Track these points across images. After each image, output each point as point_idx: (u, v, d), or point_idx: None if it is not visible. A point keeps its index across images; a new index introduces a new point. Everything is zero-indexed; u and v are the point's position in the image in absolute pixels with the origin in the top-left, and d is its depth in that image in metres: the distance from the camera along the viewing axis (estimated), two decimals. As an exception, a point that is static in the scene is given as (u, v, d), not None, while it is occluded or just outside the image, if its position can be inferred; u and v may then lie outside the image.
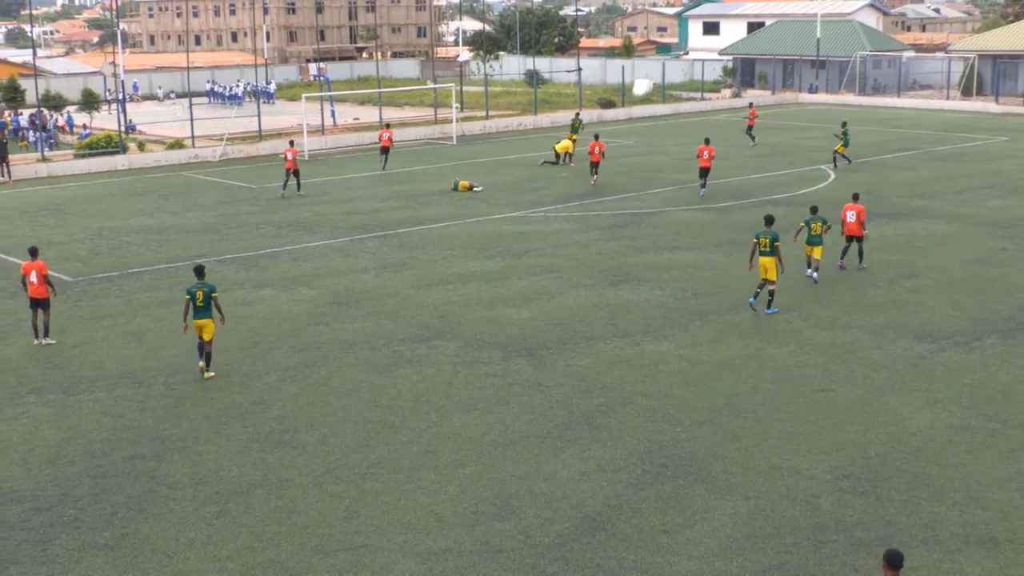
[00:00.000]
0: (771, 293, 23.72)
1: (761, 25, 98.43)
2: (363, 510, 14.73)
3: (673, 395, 18.93)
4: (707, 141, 39.63)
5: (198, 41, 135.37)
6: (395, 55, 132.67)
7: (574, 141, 48.53)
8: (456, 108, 62.56)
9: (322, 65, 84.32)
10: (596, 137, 42.80)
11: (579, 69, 78.17)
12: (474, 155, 52.14)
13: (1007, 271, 27.39)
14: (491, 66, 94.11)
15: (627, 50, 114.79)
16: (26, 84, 70.14)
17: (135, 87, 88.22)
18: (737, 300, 24.79)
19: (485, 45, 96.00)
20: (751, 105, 57.69)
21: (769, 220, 23.94)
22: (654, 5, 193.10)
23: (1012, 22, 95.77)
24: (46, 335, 22.53)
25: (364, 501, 15.00)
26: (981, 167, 45.52)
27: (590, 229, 33.23)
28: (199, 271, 20.50)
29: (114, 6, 74.97)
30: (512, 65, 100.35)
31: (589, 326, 23.07)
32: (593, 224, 34.06)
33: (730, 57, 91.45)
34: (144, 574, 13.21)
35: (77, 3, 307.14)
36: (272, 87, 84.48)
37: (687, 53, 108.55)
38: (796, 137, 56.44)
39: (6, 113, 65.74)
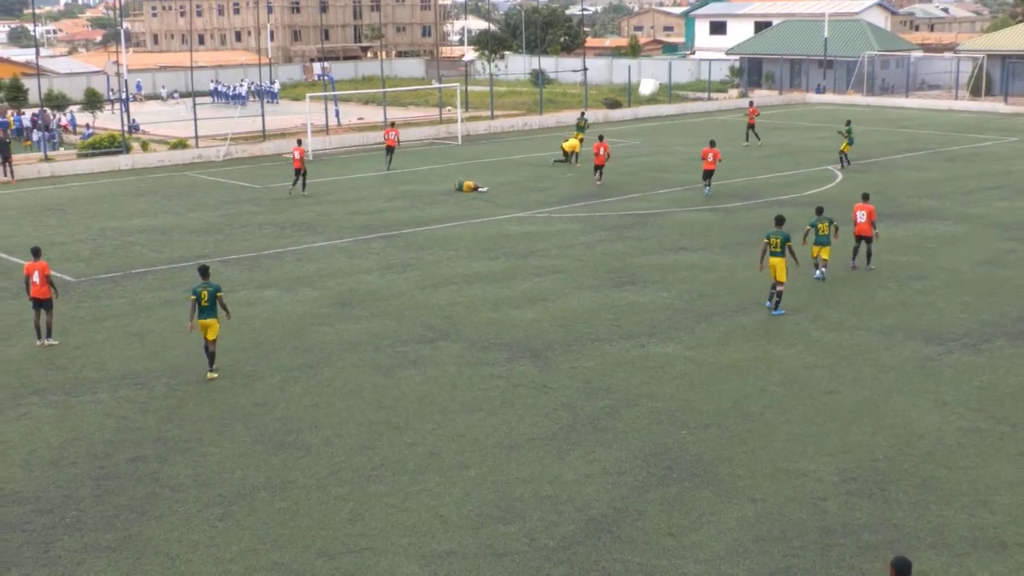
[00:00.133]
0: (779, 295, 23.72)
1: (768, 25, 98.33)
2: (367, 512, 14.73)
3: (679, 397, 18.91)
4: (712, 144, 39.58)
5: (202, 40, 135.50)
6: (400, 54, 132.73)
7: (581, 140, 48.55)
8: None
9: (326, 64, 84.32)
10: (600, 138, 42.73)
11: (585, 69, 78.16)
12: (479, 155, 52.14)
13: (1017, 272, 27.34)
14: (496, 66, 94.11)
15: (633, 50, 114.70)
16: (29, 83, 70.27)
17: (138, 87, 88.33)
18: (744, 302, 24.78)
19: (490, 44, 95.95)
20: (751, 104, 57.69)
21: (780, 220, 23.97)
22: (660, 4, 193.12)
23: (1021, 22, 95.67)
24: (48, 336, 22.56)
25: (368, 503, 15.00)
26: (990, 168, 45.45)
27: (595, 230, 33.22)
28: (203, 271, 20.57)
29: (117, 5, 75.08)
30: (517, 65, 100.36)
31: (594, 327, 23.06)
32: (598, 225, 34.05)
33: (737, 57, 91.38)
34: (146, 576, 13.22)
35: (80, 2, 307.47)
36: (276, 87, 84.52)
37: (694, 53, 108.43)
38: (803, 137, 56.38)
39: (9, 113, 65.86)
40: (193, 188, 43.63)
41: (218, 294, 20.21)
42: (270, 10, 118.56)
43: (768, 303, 23.84)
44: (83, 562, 13.54)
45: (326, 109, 62.30)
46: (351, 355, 21.50)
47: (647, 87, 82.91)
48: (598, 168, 41.70)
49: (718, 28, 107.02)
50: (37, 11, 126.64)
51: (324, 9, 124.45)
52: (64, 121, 64.92)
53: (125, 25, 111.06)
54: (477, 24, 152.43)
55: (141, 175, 47.77)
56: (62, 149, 57.00)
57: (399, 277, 27.73)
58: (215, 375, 20.26)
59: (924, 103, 74.93)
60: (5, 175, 46.45)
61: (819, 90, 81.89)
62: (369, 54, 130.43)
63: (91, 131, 59.09)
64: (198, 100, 62.33)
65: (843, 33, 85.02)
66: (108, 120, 65.38)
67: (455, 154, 52.87)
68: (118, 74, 65.96)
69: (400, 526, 14.30)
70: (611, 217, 35.35)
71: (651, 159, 49.48)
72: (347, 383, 19.92)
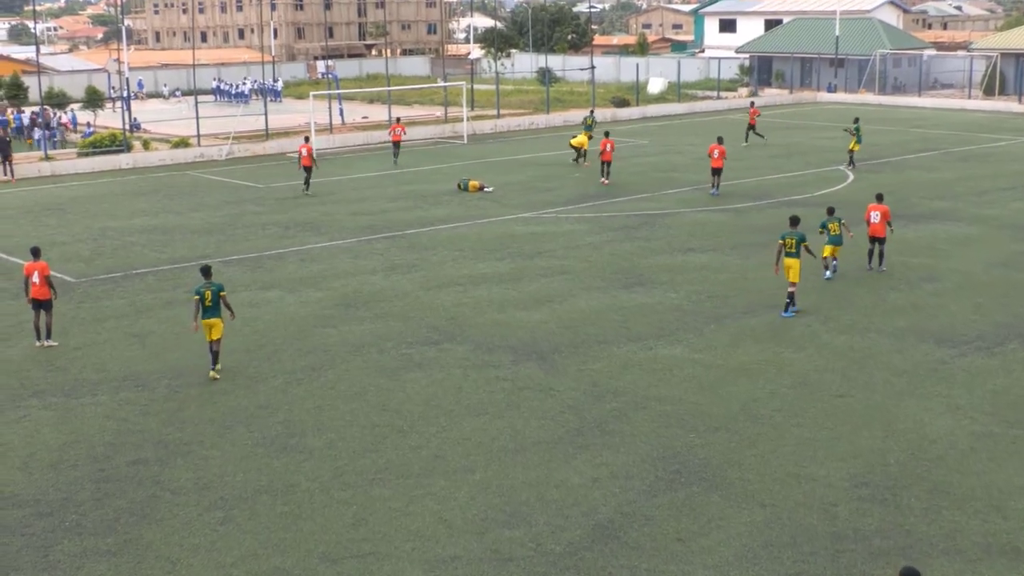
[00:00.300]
0: (790, 296, 23.69)
1: (779, 22, 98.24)
2: (371, 516, 14.73)
3: (687, 400, 18.89)
4: (720, 140, 39.62)
5: (204, 38, 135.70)
6: (405, 52, 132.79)
7: (589, 138, 48.57)
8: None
9: (330, 63, 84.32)
10: (607, 134, 42.94)
11: (592, 67, 78.13)
12: (485, 155, 52.16)
13: (1031, 274, 27.29)
14: (503, 64, 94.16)
15: (641, 48, 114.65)
16: (29, 81, 70.40)
17: (140, 85, 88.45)
18: (754, 303, 24.75)
19: (496, 42, 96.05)
20: (752, 104, 57.68)
21: (794, 221, 23.98)
22: (669, 2, 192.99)
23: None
24: (48, 337, 22.58)
25: (372, 507, 15.00)
26: (1004, 168, 45.37)
27: (603, 230, 33.21)
28: (206, 271, 20.66)
29: (119, 2, 75.23)
30: (524, 63, 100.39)
31: (601, 329, 23.05)
32: (606, 225, 34.04)
33: (747, 55, 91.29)
34: (147, 581, 13.23)
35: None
36: (279, 85, 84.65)
37: (703, 51, 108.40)
38: (814, 137, 56.33)
39: (9, 111, 65.98)
40: (195, 188, 43.67)
41: (221, 293, 20.27)
42: (273, 7, 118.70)
43: (787, 312, 23.73)
44: (83, 566, 13.55)
45: (330, 108, 62.35)
46: (355, 357, 21.51)
47: (655, 86, 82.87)
48: (605, 165, 41.77)
49: (728, 26, 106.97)
50: (38, 8, 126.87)
51: (328, 6, 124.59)
52: (65, 119, 65.02)
53: (127, 22, 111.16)
54: (483, 22, 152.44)
55: (142, 174, 47.83)
56: (66, 147, 57.04)
57: (403, 278, 27.74)
58: (217, 375, 20.29)
59: (937, 102, 74.82)
60: (5, 174, 46.54)
61: (830, 89, 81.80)
62: (374, 52, 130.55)
63: (92, 130, 59.18)
64: (200, 98, 62.39)
65: (855, 31, 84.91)
66: (109, 118, 65.50)
67: (460, 153, 52.89)
68: (119, 72, 65.99)
69: (404, 530, 14.30)
70: (619, 217, 35.33)
71: (659, 159, 49.46)
72: (351, 385, 19.92)
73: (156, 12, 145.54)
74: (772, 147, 52.22)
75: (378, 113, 67.56)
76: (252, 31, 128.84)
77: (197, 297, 20.24)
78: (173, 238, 33.40)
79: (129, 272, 29.05)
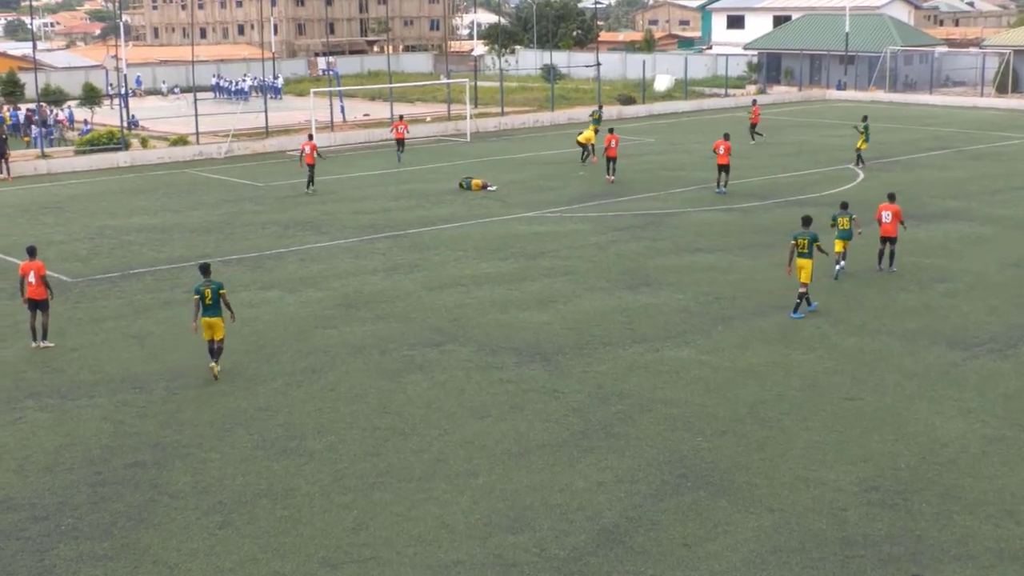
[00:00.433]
0: (800, 296, 23.68)
1: (787, 19, 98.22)
2: (371, 521, 14.72)
3: (694, 403, 18.87)
4: (726, 137, 39.66)
5: (203, 34, 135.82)
6: (407, 49, 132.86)
7: (596, 131, 48.59)
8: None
9: (331, 59, 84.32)
10: (611, 131, 43.11)
11: (598, 64, 78.12)
12: (488, 153, 52.17)
13: (1044, 275, 27.26)
14: (507, 61, 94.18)
15: (648, 44, 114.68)
16: (26, 78, 70.48)
17: (138, 81, 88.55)
18: (762, 304, 24.73)
19: (500, 39, 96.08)
20: (754, 102, 57.72)
21: (807, 221, 24.02)
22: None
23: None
24: (44, 338, 22.59)
25: (373, 511, 14.99)
26: (1018, 167, 45.31)
27: (608, 230, 33.20)
28: (204, 269, 20.72)
29: (117, -2, 75.29)
30: (528, 60, 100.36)
31: (607, 331, 23.03)
32: (611, 225, 34.02)
33: (755, 52, 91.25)
34: (144, 586, 13.24)
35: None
36: (279, 82, 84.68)
37: (710, 47, 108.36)
38: (823, 135, 56.29)
39: (5, 108, 66.05)
40: (194, 186, 43.71)
41: (221, 291, 20.31)
42: (273, 3, 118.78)
43: (811, 305, 23.79)
44: (79, 571, 13.55)
45: (331, 105, 62.35)
46: (356, 358, 21.51)
47: (662, 83, 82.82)
48: (611, 161, 41.85)
49: (735, 22, 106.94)
50: (34, 3, 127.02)
51: (329, 2, 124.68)
52: (62, 117, 65.08)
53: (124, 18, 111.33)
54: (487, 18, 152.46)
55: (140, 172, 47.88)
56: (64, 145, 57.06)
57: (405, 278, 27.74)
58: (217, 367, 20.40)
59: (948, 100, 74.75)
60: (1, 172, 46.60)
61: (840, 86, 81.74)
62: (375, 48, 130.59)
63: (89, 127, 59.26)
64: (199, 95, 62.38)
65: (865, 27, 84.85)
66: (107, 116, 65.56)
67: (464, 152, 52.90)
68: (117, 68, 66.08)
69: (405, 535, 14.29)
70: (624, 217, 35.32)
71: (666, 157, 49.45)
72: (352, 387, 19.92)
73: (155, 8, 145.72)
74: (781, 145, 52.18)
75: (380, 110, 67.58)
76: (252, 27, 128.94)
77: (197, 296, 20.27)
78: (171, 237, 33.42)
79: (127, 272, 29.06)
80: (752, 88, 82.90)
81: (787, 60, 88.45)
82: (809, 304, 23.87)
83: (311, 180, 41.07)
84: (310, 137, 43.46)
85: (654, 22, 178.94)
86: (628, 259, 29.40)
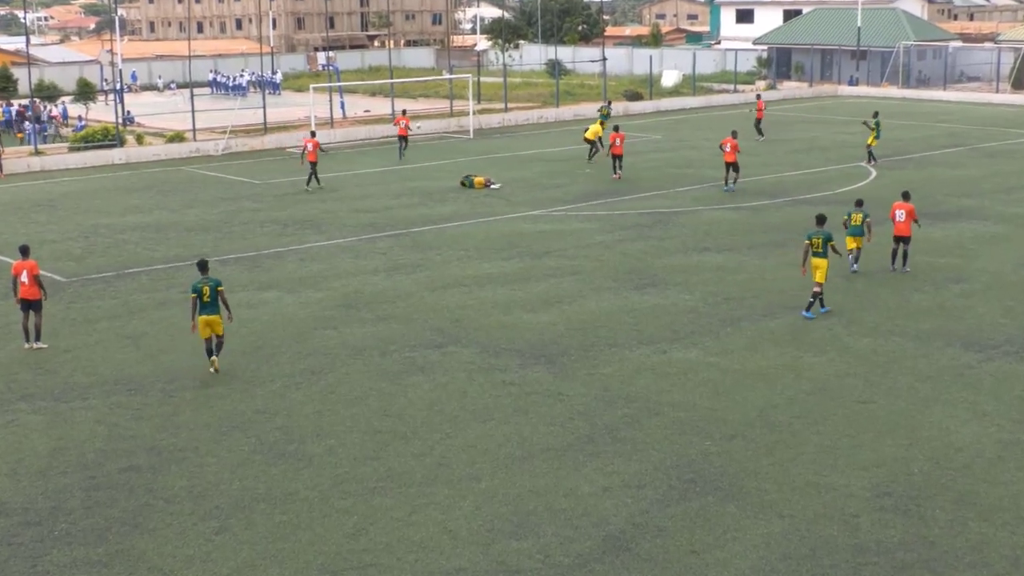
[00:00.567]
0: (814, 295, 23.67)
1: (798, 13, 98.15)
2: (372, 526, 14.71)
3: (703, 406, 18.86)
4: (734, 134, 39.68)
5: (200, 28, 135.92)
6: (409, 44, 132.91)
7: (602, 125, 48.58)
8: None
9: (331, 54, 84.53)
10: (616, 128, 43.15)
11: (604, 59, 78.10)
12: (492, 150, 52.19)
13: (1061, 276, 27.22)
14: (510, 56, 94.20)
15: (655, 39, 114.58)
16: (19, 73, 70.47)
17: (133, 77, 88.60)
18: (772, 305, 24.72)
19: (504, 33, 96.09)
20: (759, 97, 57.72)
21: (821, 219, 24.07)
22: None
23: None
24: (37, 339, 22.60)
25: (373, 517, 14.98)
26: (1033, 164, 45.30)
27: (614, 229, 33.19)
28: (202, 266, 20.85)
29: (112, -9, 75.35)
30: (533, 55, 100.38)
31: (613, 332, 23.02)
32: (617, 223, 34.02)
33: (765, 47, 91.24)
34: (139, 593, 13.24)
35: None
36: (278, 77, 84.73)
37: (719, 42, 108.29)
38: (835, 132, 56.29)
39: (-2, 104, 66.11)
40: (190, 183, 43.74)
41: (219, 288, 20.44)
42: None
43: (805, 312, 23.73)
44: (72, 577, 13.56)
45: (331, 101, 62.37)
46: (356, 360, 21.51)
47: (670, 78, 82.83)
48: (616, 159, 41.90)
49: (745, 16, 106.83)
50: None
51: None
52: (55, 113, 65.13)
53: (120, 12, 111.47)
54: (490, 12, 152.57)
55: (136, 170, 47.92)
56: (60, 142, 57.07)
57: (407, 278, 27.75)
58: (217, 362, 20.52)
59: (963, 96, 74.71)
60: (-7, 169, 46.67)
61: (852, 82, 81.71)
62: (376, 43, 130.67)
63: (83, 123, 59.29)
64: (196, 91, 62.47)
65: (877, 22, 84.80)
66: (101, 112, 65.59)
67: (466, 149, 52.92)
68: (112, 63, 66.09)
69: (406, 541, 14.29)
70: (631, 215, 35.31)
71: (674, 154, 49.45)
72: (352, 390, 19.92)
73: (151, 1, 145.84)
74: (791, 142, 52.18)
75: (381, 107, 67.60)
76: (250, 21, 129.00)
77: (194, 295, 20.33)
78: (167, 236, 33.44)
79: (121, 271, 29.08)
80: (762, 84, 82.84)
81: (797, 55, 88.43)
82: (822, 306, 23.86)
83: (313, 177, 41.06)
84: (312, 134, 43.50)
85: (661, 16, 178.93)
86: (635, 259, 29.39)
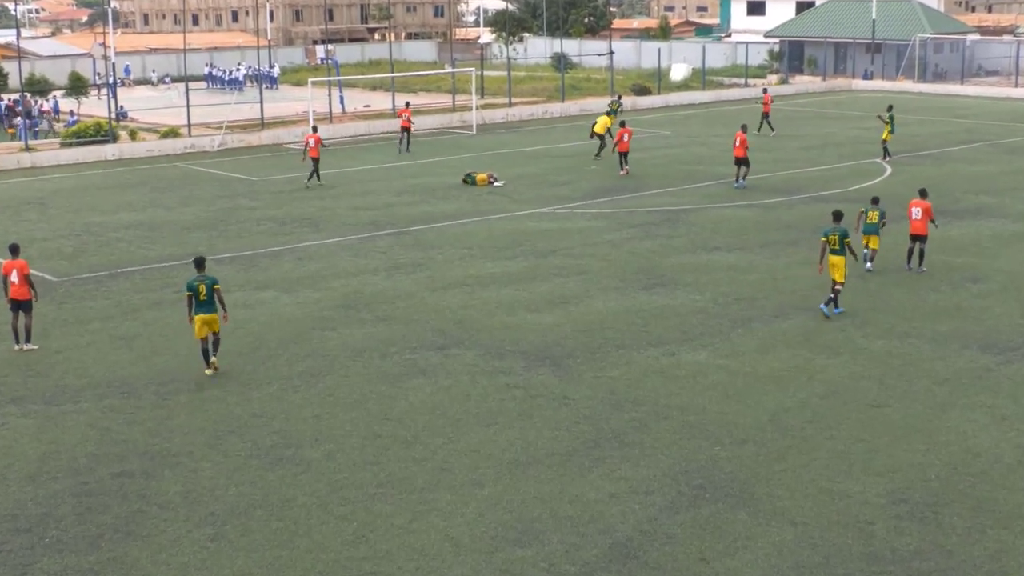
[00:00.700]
0: (836, 292, 23.69)
1: (811, 5, 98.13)
2: (371, 534, 14.71)
3: (712, 410, 18.84)
4: (744, 128, 39.74)
5: (195, 21, 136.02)
6: (410, 36, 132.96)
7: (611, 117, 48.53)
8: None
9: (330, 47, 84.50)
10: (623, 124, 43.22)
11: (611, 52, 78.09)
12: (495, 146, 52.19)
13: (1082, 275, 27.18)
14: (515, 49, 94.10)
15: (664, 32, 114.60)
16: (9, 67, 70.60)
17: (127, 70, 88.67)
18: (784, 306, 24.69)
19: (508, 26, 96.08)
20: (765, 91, 57.72)
21: (838, 216, 24.09)
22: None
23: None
24: (27, 340, 22.62)
25: (373, 524, 14.98)
26: (1054, 161, 45.25)
27: (622, 227, 33.18)
28: (199, 263, 20.92)
29: (105, -18, 75.45)
30: (538, 48, 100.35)
31: (620, 333, 23.01)
32: (625, 222, 34.01)
33: (776, 40, 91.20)
34: (132, 602, 13.24)
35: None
36: (276, 71, 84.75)
37: (729, 35, 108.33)
38: (849, 127, 56.26)
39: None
40: (185, 180, 43.76)
41: (216, 287, 20.52)
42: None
43: (823, 306, 23.79)
44: (63, 586, 13.56)
45: (329, 95, 62.40)
46: (355, 362, 21.51)
47: (679, 72, 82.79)
48: (623, 156, 41.94)
49: (756, 8, 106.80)
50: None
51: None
52: (46, 107, 65.19)
53: (113, 4, 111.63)
54: (494, 4, 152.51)
55: (129, 166, 47.96)
56: (52, 137, 57.09)
57: (408, 278, 27.74)
58: (216, 362, 20.59)
59: (981, 90, 74.65)
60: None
61: (866, 76, 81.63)
62: (376, 36, 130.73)
63: (75, 118, 59.35)
64: (191, 85, 62.47)
65: (892, 14, 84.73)
66: (94, 106, 65.70)
67: (469, 144, 52.92)
68: (105, 57, 66.21)
69: (407, 548, 14.28)
70: (639, 213, 35.29)
71: (683, 150, 49.43)
72: (351, 393, 19.92)
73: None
74: (804, 138, 52.16)
75: (381, 101, 67.62)
76: (247, 13, 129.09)
77: (190, 293, 20.38)
78: (161, 234, 33.46)
79: (114, 271, 29.10)
80: (773, 78, 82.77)
81: (810, 48, 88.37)
82: (836, 307, 23.85)
83: (314, 174, 41.03)
84: (314, 129, 43.50)
85: (670, 9, 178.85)
86: (643, 258, 29.37)
